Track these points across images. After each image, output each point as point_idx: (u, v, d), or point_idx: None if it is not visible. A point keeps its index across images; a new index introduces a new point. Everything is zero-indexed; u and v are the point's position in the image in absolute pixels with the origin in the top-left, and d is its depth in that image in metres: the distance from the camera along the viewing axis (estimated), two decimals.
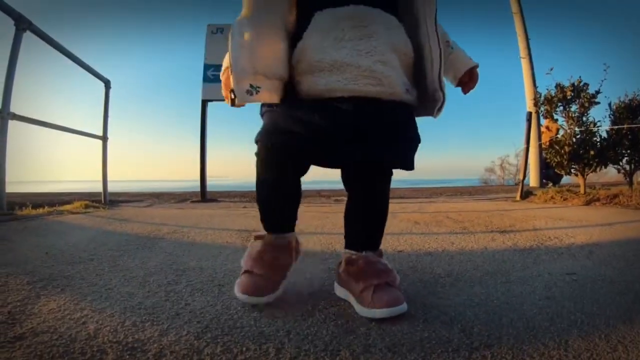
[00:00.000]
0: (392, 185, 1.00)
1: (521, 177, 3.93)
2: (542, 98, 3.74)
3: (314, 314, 0.83)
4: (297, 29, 0.89)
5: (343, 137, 0.83)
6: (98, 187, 4.13)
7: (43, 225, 2.11)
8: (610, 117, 3.96)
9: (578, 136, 3.46)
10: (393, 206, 3.35)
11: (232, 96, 0.82)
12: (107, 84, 3.90)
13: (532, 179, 6.52)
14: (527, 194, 3.90)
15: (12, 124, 2.58)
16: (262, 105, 0.95)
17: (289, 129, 0.85)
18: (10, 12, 2.59)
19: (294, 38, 0.88)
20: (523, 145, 3.90)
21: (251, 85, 0.80)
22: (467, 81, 1.04)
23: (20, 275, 1.10)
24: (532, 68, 6.72)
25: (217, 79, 4.40)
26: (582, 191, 3.49)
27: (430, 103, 0.93)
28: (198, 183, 4.44)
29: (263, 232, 0.98)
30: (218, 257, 1.41)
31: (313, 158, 0.92)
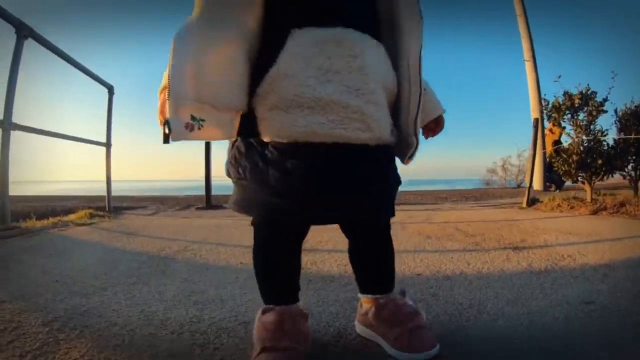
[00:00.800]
0: None
1: (527, 184, 3.92)
2: (550, 105, 3.72)
3: (350, 356, 0.82)
4: (265, 47, 0.72)
5: (329, 191, 0.71)
6: (100, 188, 4.07)
7: (49, 242, 2.08)
8: (616, 123, 3.95)
9: (585, 144, 3.45)
10: (400, 215, 3.35)
11: (166, 130, 0.60)
12: (110, 89, 3.85)
13: (536, 183, 6.51)
14: (533, 201, 3.89)
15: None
16: (228, 169, 0.78)
17: (267, 200, 0.70)
18: (11, 19, 2.53)
19: (259, 60, 0.72)
20: (529, 152, 3.90)
21: (193, 117, 0.62)
22: (434, 127, 0.93)
23: (34, 313, 1.07)
24: (536, 71, 6.66)
25: None
26: (588, 199, 3.49)
27: (401, 146, 0.83)
28: (200, 183, 4.41)
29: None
30: (235, 283, 1.38)
31: (301, 221, 0.79)
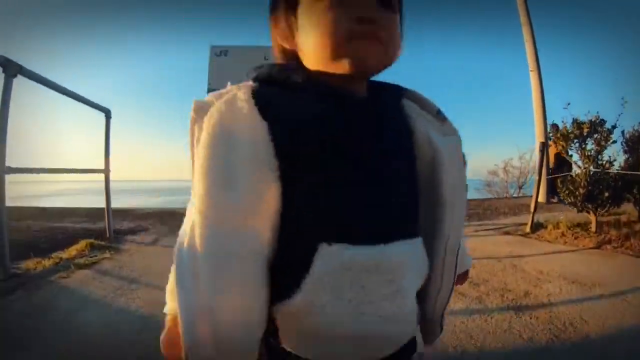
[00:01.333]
0: None
1: (531, 210, 3.88)
2: (558, 133, 3.66)
3: None
4: (285, 259, 0.58)
5: None
6: (99, 189, 4.04)
7: (52, 299, 2.06)
8: (622, 145, 3.89)
9: (592, 174, 3.38)
10: None
11: None
12: (107, 113, 3.79)
13: (540, 194, 6.46)
14: (537, 226, 3.87)
15: (14, 124, 2.52)
16: None
17: None
18: None
19: (277, 269, 0.58)
20: (535, 177, 3.85)
21: None
22: (457, 280, 0.81)
23: None
24: (540, 82, 6.48)
25: None
26: (593, 229, 3.46)
27: (424, 327, 0.73)
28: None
29: None
30: None
31: None
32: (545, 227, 3.80)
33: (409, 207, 0.64)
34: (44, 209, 6.00)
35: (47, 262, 2.73)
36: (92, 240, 3.38)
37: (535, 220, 3.96)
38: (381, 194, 0.59)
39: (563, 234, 3.50)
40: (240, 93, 0.54)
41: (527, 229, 3.86)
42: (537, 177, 3.85)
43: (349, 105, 0.58)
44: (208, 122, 0.51)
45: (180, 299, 0.51)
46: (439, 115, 0.67)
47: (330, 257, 0.53)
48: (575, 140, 3.50)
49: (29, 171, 2.72)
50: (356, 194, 0.56)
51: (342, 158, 0.55)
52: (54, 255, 2.97)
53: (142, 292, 2.21)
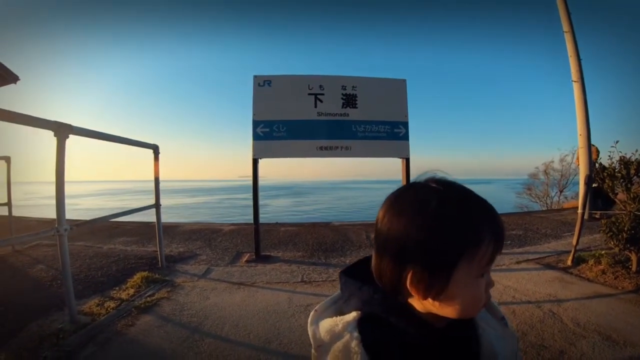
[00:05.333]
0: None
1: (574, 243, 3.80)
2: (605, 173, 3.53)
3: None
4: None
5: None
6: (146, 188, 4.36)
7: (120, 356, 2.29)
8: None
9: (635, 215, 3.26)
10: None
11: None
12: (155, 149, 4.00)
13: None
14: (578, 260, 3.80)
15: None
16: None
17: None
18: (48, 124, 2.55)
19: None
20: (579, 210, 3.75)
21: None
22: None
23: None
24: (584, 93, 6.14)
25: (267, 136, 4.42)
26: (634, 268, 3.38)
27: None
28: (238, 183, 4.58)
29: None
30: None
31: None
32: (586, 262, 3.73)
33: None
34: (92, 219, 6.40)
35: (109, 304, 2.98)
36: (146, 274, 3.64)
37: (578, 240, 3.87)
38: None
39: (604, 272, 3.45)
40: (353, 344, 0.62)
41: (569, 262, 3.81)
42: (580, 210, 3.74)
43: (436, 339, 0.65)
44: None
45: None
46: (502, 321, 0.77)
47: None
48: (622, 180, 3.38)
49: (90, 222, 2.94)
50: None
51: None
52: (113, 294, 3.26)
53: (206, 345, 2.39)
